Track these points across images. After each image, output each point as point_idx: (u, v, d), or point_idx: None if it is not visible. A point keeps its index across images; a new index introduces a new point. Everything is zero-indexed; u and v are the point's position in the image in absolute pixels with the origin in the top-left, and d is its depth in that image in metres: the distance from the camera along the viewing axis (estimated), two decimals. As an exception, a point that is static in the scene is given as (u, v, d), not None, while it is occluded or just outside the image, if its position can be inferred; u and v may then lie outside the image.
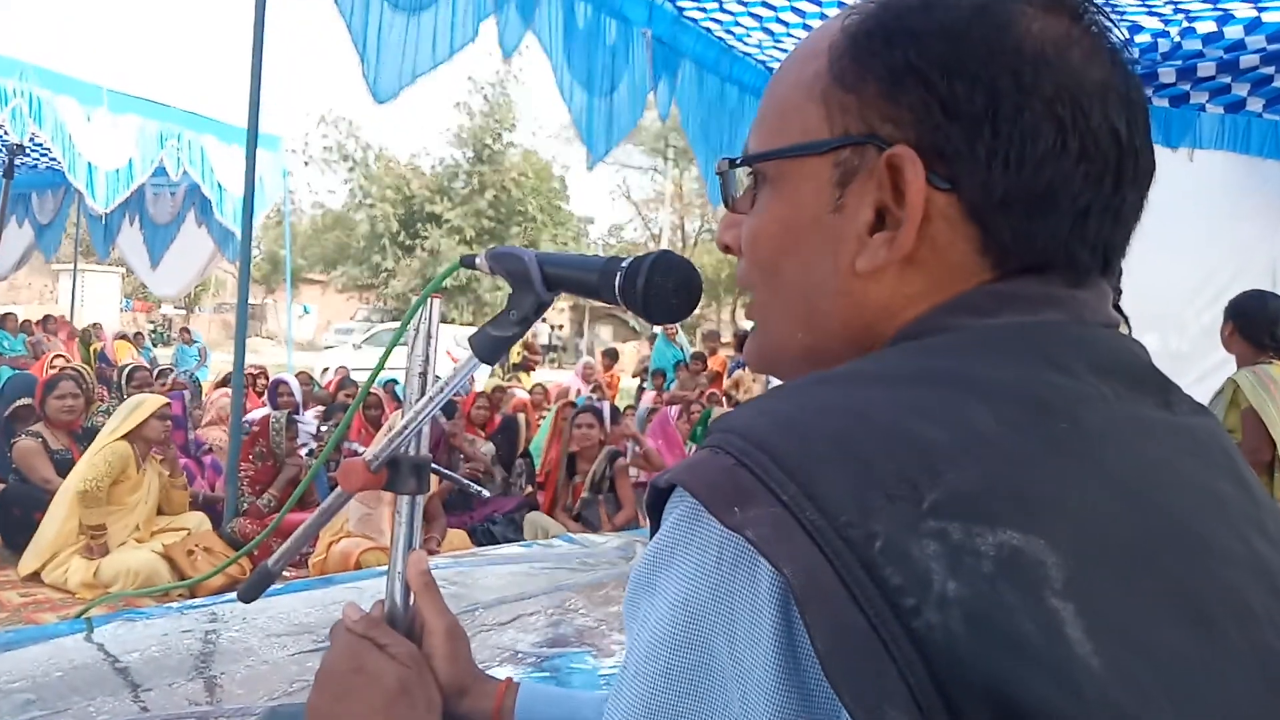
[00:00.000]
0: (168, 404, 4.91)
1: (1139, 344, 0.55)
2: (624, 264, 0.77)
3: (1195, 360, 4.77)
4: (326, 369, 12.59)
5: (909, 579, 0.40)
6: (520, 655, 1.33)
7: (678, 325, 11.57)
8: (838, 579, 0.40)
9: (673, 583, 0.46)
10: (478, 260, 0.86)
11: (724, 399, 8.73)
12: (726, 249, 0.65)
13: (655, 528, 0.50)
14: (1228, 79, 4.24)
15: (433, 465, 0.93)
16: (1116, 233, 0.56)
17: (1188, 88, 4.36)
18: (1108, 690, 0.39)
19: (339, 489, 0.91)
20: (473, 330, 0.87)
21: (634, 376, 11.12)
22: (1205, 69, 4.19)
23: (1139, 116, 0.55)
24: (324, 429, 5.67)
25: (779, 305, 0.60)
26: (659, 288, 0.75)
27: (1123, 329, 0.58)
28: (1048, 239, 0.53)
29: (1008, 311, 0.53)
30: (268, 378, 8.24)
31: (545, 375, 17.55)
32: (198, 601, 1.47)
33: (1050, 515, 0.43)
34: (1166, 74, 4.31)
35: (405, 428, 0.87)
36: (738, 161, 0.62)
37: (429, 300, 0.91)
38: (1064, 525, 0.42)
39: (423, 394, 0.89)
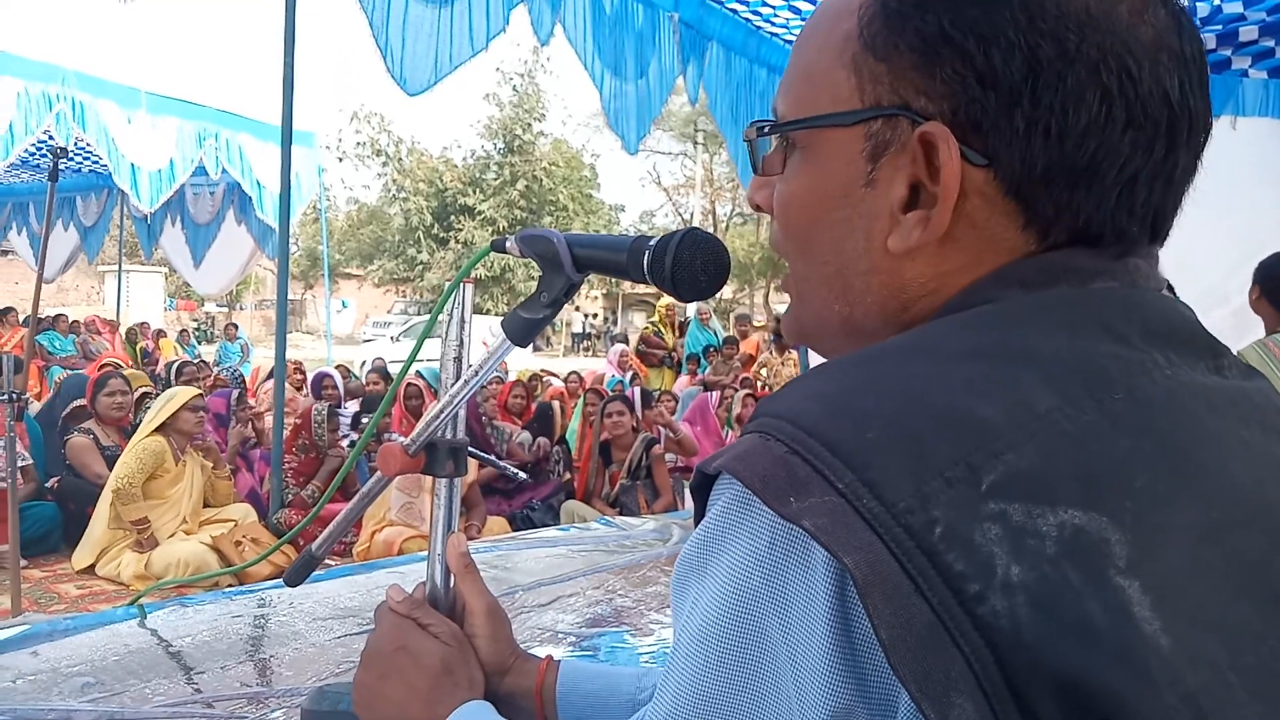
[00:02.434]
0: (199, 395, 4.99)
1: (1188, 307, 0.54)
2: (652, 243, 0.76)
3: (1241, 334, 4.67)
4: (364, 363, 12.75)
5: (971, 565, 0.39)
6: (560, 635, 1.35)
7: (711, 310, 11.50)
8: (900, 568, 0.39)
9: (724, 567, 0.46)
10: (508, 244, 0.86)
11: (755, 384, 8.69)
12: (758, 208, 0.64)
13: (700, 510, 0.50)
14: (1271, 42, 4.13)
15: (470, 449, 0.95)
16: (1168, 198, 0.53)
17: (1229, 53, 4.26)
18: (1177, 669, 0.39)
19: (378, 473, 0.93)
20: (508, 320, 0.88)
21: (660, 325, 10.98)
22: (1247, 33, 4.08)
23: (1194, 73, 0.52)
24: (365, 420, 5.76)
25: (814, 277, 0.59)
26: (687, 265, 0.74)
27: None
28: (1092, 211, 0.51)
29: (1059, 282, 0.51)
30: (304, 373, 8.37)
31: (579, 363, 17.60)
32: (246, 588, 1.51)
33: (1112, 492, 0.41)
34: (1207, 39, 4.20)
35: (441, 411, 0.88)
36: (766, 129, 0.60)
37: (461, 285, 0.92)
38: (1126, 501, 0.41)
39: (458, 378, 0.90)
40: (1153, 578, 0.40)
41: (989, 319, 0.50)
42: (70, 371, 8.49)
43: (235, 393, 6.23)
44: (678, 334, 10.84)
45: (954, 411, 0.43)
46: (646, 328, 11.73)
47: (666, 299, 11.22)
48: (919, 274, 0.54)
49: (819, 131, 0.56)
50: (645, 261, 0.76)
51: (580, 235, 0.83)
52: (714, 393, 7.85)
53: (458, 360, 0.91)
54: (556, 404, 6.57)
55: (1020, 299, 0.50)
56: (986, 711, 0.38)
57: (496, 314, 25.37)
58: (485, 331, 13.74)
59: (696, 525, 0.50)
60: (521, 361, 13.72)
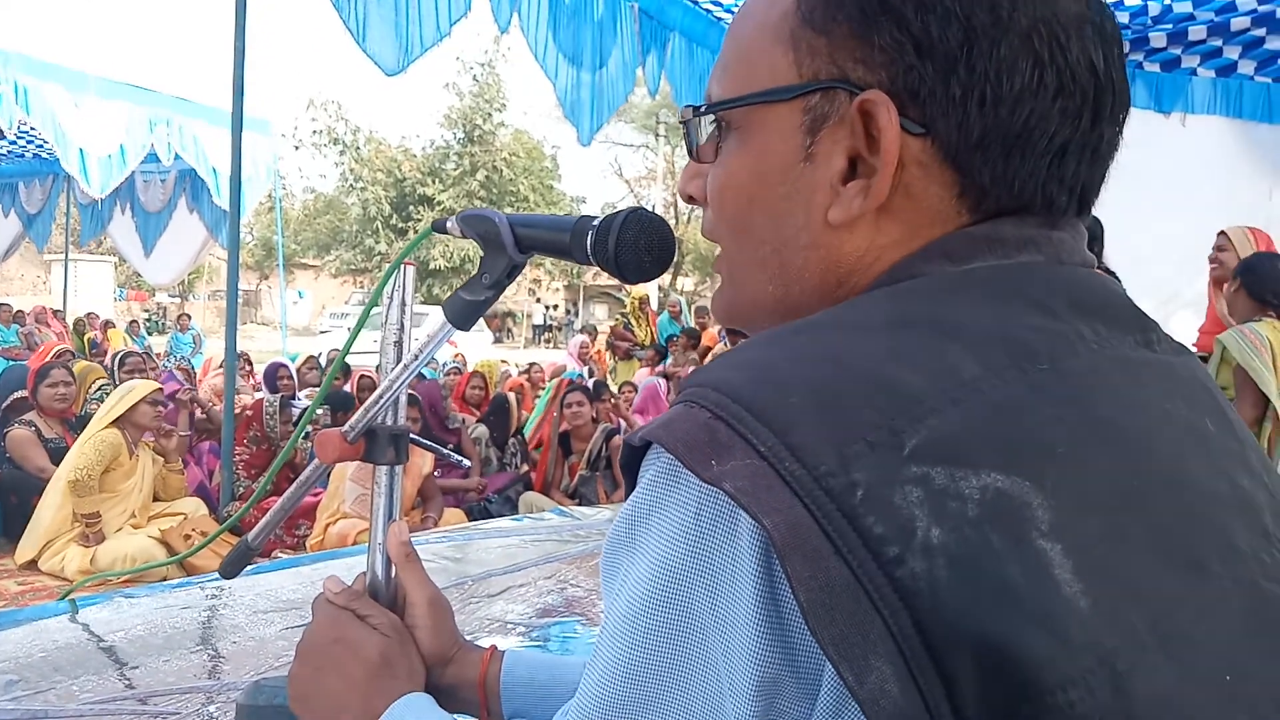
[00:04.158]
0: (159, 389, 4.89)
1: (1117, 283, 0.54)
2: (595, 223, 0.75)
3: (1192, 325, 4.77)
4: (320, 354, 12.58)
5: (891, 527, 0.39)
6: (510, 626, 1.33)
7: (681, 303, 11.49)
8: (819, 530, 0.39)
9: (651, 541, 0.45)
10: (449, 225, 0.84)
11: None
12: (690, 199, 0.63)
13: (631, 486, 0.49)
14: (1219, 42, 4.22)
15: (412, 436, 0.92)
16: (1094, 171, 0.55)
17: (1179, 52, 4.34)
18: (1095, 631, 0.39)
19: (316, 460, 0.90)
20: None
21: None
22: (1196, 32, 4.16)
23: (1114, 49, 0.53)
24: (319, 411, 5.66)
25: (748, 259, 0.58)
26: (631, 245, 0.73)
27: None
28: (1025, 179, 0.52)
29: (985, 255, 0.51)
30: (250, 363, 8.24)
31: (540, 355, 17.54)
32: (184, 580, 1.47)
33: (1034, 458, 0.42)
34: (1157, 38, 4.28)
35: (380, 397, 0.85)
36: (702, 109, 0.59)
37: (401, 268, 0.90)
38: (1049, 467, 0.42)
39: (398, 363, 0.87)
40: (1074, 541, 0.40)
41: (915, 291, 0.50)
42: (12, 362, 8.27)
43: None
44: (651, 326, 10.83)
45: (877, 378, 0.44)
46: (617, 320, 11.72)
47: (636, 292, 11.22)
48: (856, 247, 0.54)
49: (756, 110, 0.56)
50: (588, 243, 0.74)
51: (523, 215, 0.81)
52: (663, 380, 7.86)
53: (398, 345, 0.88)
54: (513, 395, 6.51)
55: (947, 272, 0.51)
56: (905, 674, 0.38)
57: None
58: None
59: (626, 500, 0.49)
60: (482, 352, 13.63)
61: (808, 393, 0.43)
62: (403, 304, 0.89)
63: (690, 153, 0.62)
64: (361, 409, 0.86)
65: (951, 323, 0.47)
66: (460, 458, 1.11)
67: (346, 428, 0.86)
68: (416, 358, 0.85)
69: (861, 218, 0.53)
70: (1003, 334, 0.46)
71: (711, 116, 0.59)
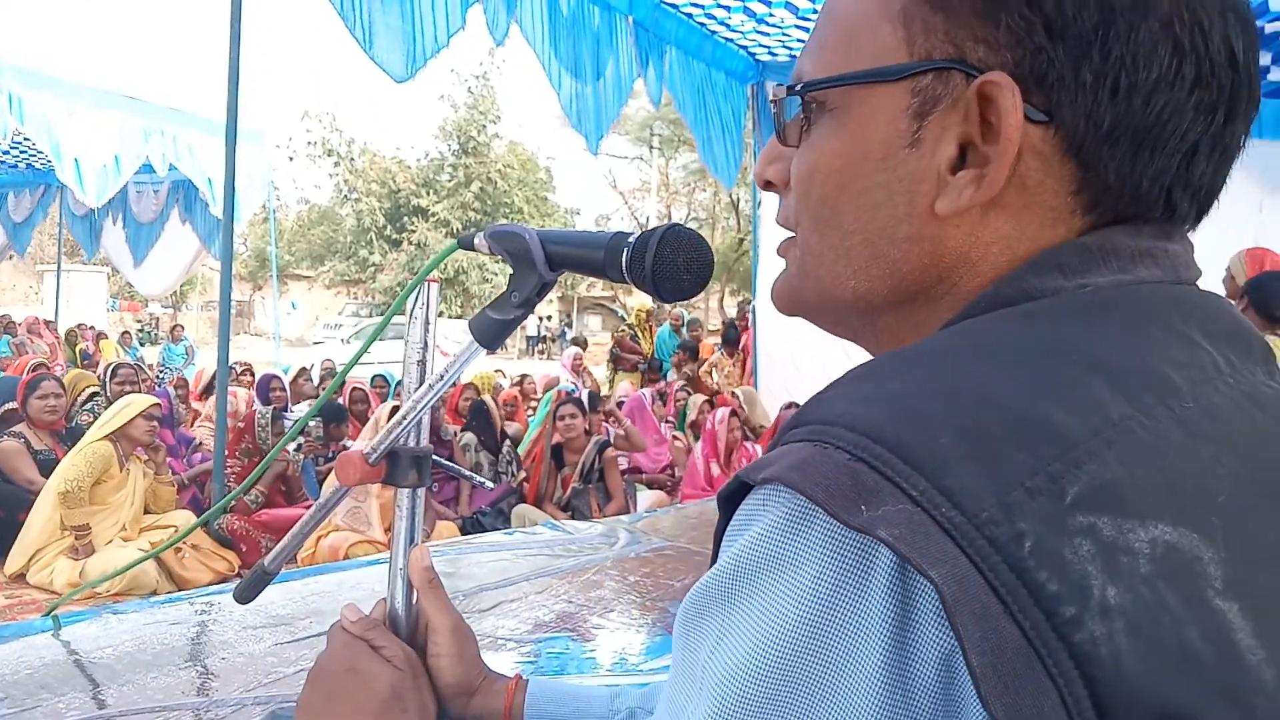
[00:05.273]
0: (156, 404, 4.86)
1: (1230, 303, 0.51)
2: (631, 239, 0.72)
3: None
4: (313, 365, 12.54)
5: (1066, 585, 0.35)
6: (501, 641, 1.31)
7: (684, 316, 11.47)
8: (986, 585, 0.35)
9: (760, 600, 0.40)
10: (476, 240, 0.80)
11: (708, 387, 8.69)
12: (767, 185, 0.59)
13: (725, 523, 0.44)
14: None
15: (435, 458, 0.89)
16: (1220, 173, 0.50)
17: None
18: None
19: (337, 484, 0.87)
20: (460, 324, 0.83)
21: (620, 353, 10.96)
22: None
23: (1253, 40, 0.49)
24: (312, 424, 5.63)
25: (830, 249, 0.53)
26: (669, 263, 0.70)
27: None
28: (1153, 179, 0.48)
29: (1100, 269, 0.47)
30: (252, 374, 8.21)
31: (534, 366, 17.51)
32: (173, 596, 1.45)
33: (1197, 505, 0.38)
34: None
35: (404, 417, 0.82)
36: (797, 88, 0.54)
37: (425, 284, 0.87)
38: (1213, 517, 0.38)
39: (421, 382, 0.84)
40: (1252, 600, 0.37)
41: (1043, 315, 0.46)
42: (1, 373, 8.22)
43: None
44: (652, 339, 10.82)
45: (1029, 416, 0.39)
46: (622, 331, 11.67)
47: (640, 304, 11.19)
48: (960, 242, 0.50)
49: (856, 90, 0.52)
50: (624, 260, 0.71)
51: (554, 231, 0.78)
52: (648, 389, 7.87)
53: (421, 364, 0.85)
54: (489, 397, 6.48)
55: (1065, 287, 0.47)
56: None
57: (450, 317, 25.15)
58: (439, 337, 13.56)
59: (718, 538, 0.44)
60: (476, 364, 13.59)
61: (955, 432, 0.39)
62: (426, 322, 0.86)
63: (779, 135, 0.57)
64: (384, 430, 0.83)
65: (1091, 353, 0.42)
66: (483, 480, 1.09)
67: (368, 448, 0.83)
68: (442, 378, 0.82)
69: (970, 210, 0.49)
70: (1145, 368, 0.42)
71: (801, 97, 0.54)
